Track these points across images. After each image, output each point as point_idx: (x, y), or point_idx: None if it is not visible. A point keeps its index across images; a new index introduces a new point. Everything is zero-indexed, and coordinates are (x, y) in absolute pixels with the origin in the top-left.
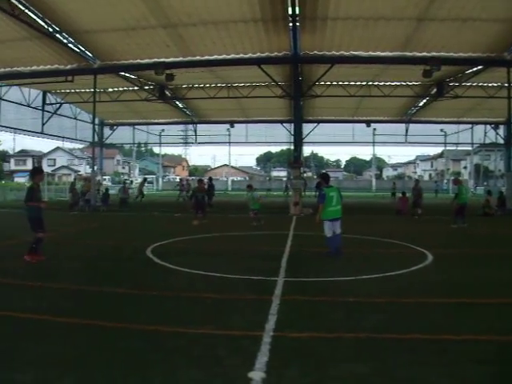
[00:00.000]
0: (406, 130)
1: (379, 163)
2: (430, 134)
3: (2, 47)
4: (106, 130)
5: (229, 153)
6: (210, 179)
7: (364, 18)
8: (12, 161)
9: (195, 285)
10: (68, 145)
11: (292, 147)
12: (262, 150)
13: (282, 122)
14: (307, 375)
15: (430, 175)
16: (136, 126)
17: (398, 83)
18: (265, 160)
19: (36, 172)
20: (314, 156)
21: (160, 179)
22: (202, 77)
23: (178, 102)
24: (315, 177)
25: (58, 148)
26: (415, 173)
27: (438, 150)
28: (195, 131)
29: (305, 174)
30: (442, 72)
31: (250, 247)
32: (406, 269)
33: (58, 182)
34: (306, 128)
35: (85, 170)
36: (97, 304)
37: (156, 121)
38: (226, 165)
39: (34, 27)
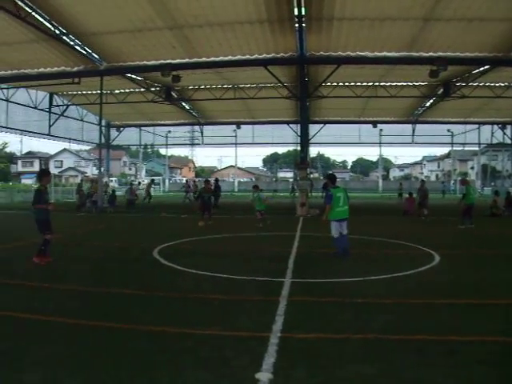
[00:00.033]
0: (413, 131)
1: (386, 164)
2: (436, 135)
3: (10, 50)
4: (113, 132)
5: (235, 154)
6: (217, 180)
7: (370, 18)
8: (19, 162)
9: (202, 286)
10: (75, 146)
11: (298, 148)
12: (269, 150)
13: (288, 122)
14: (314, 376)
15: (437, 176)
16: (142, 128)
17: (405, 83)
18: (271, 161)
19: (43, 174)
20: (320, 157)
21: (166, 180)
22: (209, 78)
23: (184, 104)
24: (322, 178)
25: (64, 150)
26: (422, 173)
27: (445, 150)
28: (201, 132)
29: (311, 175)
30: (448, 72)
31: (256, 248)
32: (413, 270)
33: (65, 183)
34: (313, 129)
35: (91, 171)
36: (104, 305)
37: (162, 122)
38: (232, 166)
39: (41, 30)
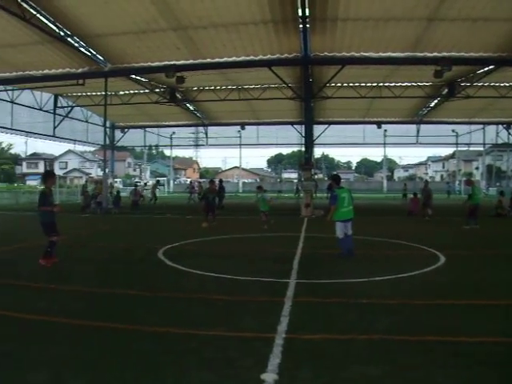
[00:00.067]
0: (418, 131)
1: (390, 164)
2: (441, 135)
3: (15, 51)
4: (117, 133)
5: (240, 155)
6: (221, 181)
7: (374, 18)
8: (24, 164)
9: (206, 287)
10: (79, 148)
11: (303, 149)
12: (273, 151)
13: (292, 123)
14: (320, 377)
15: (442, 176)
16: (147, 129)
17: (409, 84)
18: (276, 162)
19: (48, 176)
20: (324, 157)
21: (171, 181)
22: (213, 79)
23: (188, 105)
24: (326, 178)
25: (69, 151)
26: (426, 174)
27: (450, 150)
28: (206, 133)
29: (316, 176)
30: (453, 72)
31: (261, 249)
32: (418, 270)
33: (70, 184)
34: (317, 129)
35: (96, 172)
36: (108, 306)
37: (167, 123)
38: (236, 167)
39: (46, 31)
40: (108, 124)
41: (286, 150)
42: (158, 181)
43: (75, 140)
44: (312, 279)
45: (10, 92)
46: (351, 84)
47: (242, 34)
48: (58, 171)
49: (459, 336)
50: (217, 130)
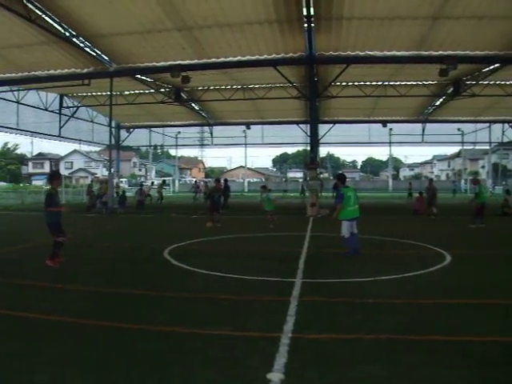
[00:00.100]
0: (423, 130)
1: (396, 163)
2: (447, 134)
3: (20, 52)
4: (123, 133)
5: (245, 154)
6: (226, 181)
7: (379, 17)
8: (30, 164)
9: (212, 286)
10: (85, 148)
11: (308, 148)
12: (278, 151)
13: (297, 122)
14: (326, 377)
15: (448, 175)
16: (152, 129)
17: (414, 83)
18: (281, 161)
19: (54, 177)
20: (330, 157)
21: (176, 181)
22: (218, 79)
23: (193, 104)
24: (332, 178)
25: (75, 151)
26: (432, 173)
27: (455, 149)
28: (211, 133)
29: (321, 175)
30: (458, 71)
31: (267, 248)
32: (424, 270)
33: (75, 184)
34: (322, 129)
35: (102, 172)
36: (114, 305)
37: (172, 123)
38: (242, 166)
39: (51, 32)
40: (113, 124)
41: (291, 150)
42: (164, 181)
43: (81, 140)
44: (318, 279)
45: (15, 92)
46: (356, 83)
47: (247, 33)
48: (63, 171)
49: (466, 336)
50: (222, 129)
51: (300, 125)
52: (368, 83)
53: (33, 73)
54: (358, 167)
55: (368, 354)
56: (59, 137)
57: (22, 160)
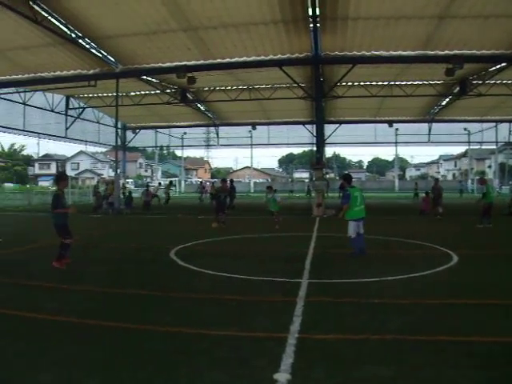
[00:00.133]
0: (429, 130)
1: (402, 163)
2: (453, 133)
3: (27, 53)
4: (129, 134)
5: (251, 155)
6: (232, 181)
7: (385, 17)
8: (36, 165)
9: (219, 287)
10: (91, 149)
11: (314, 148)
12: (284, 151)
13: (303, 123)
14: (332, 377)
15: (454, 175)
16: (158, 130)
17: (420, 82)
18: (287, 161)
19: (60, 178)
20: (336, 157)
21: (182, 182)
22: (224, 79)
23: (199, 105)
24: (338, 178)
25: (81, 152)
26: (438, 172)
27: (462, 149)
28: (217, 133)
29: (327, 175)
30: (464, 70)
31: (273, 249)
32: (430, 270)
33: (82, 185)
34: (328, 129)
35: (108, 173)
36: (120, 306)
37: (178, 124)
38: (248, 167)
39: (57, 33)
40: (119, 125)
41: (297, 150)
42: (170, 181)
43: (87, 141)
44: (324, 279)
45: (22, 94)
46: (362, 83)
47: (252, 34)
48: (69, 172)
49: (472, 336)
50: (228, 130)
51: (306, 125)
52: (374, 83)
53: (39, 74)
54: (364, 167)
55: (374, 354)
56: (65, 138)
57: (29, 161)
